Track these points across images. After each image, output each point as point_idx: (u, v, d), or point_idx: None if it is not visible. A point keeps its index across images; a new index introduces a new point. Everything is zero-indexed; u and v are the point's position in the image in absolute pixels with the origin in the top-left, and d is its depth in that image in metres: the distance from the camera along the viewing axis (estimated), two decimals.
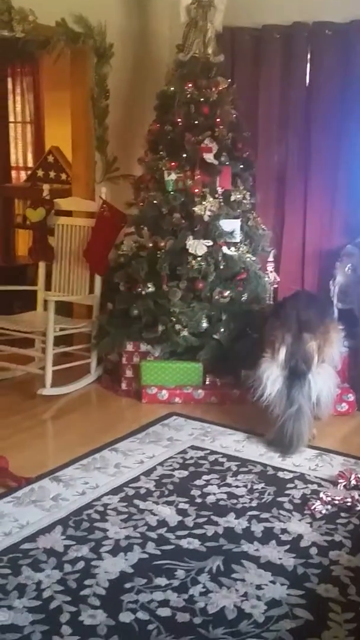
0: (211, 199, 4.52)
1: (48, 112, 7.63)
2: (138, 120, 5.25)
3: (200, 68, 4.65)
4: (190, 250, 4.45)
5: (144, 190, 4.72)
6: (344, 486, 3.39)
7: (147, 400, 4.52)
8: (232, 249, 4.59)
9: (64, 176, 6.85)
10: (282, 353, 3.73)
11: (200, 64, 4.66)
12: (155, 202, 4.59)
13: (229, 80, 4.76)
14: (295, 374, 3.73)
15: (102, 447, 3.81)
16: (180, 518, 3.09)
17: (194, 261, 4.44)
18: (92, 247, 4.86)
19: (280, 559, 2.79)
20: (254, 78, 5.18)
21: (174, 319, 4.45)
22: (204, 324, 4.49)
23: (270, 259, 4.94)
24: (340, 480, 3.42)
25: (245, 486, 3.41)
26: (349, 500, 3.23)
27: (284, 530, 3.01)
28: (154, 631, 2.35)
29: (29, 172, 7.51)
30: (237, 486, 3.41)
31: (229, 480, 3.48)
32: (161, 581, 2.62)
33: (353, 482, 3.39)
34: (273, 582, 2.63)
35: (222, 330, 4.50)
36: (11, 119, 7.80)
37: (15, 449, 3.74)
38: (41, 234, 5.11)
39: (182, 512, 3.14)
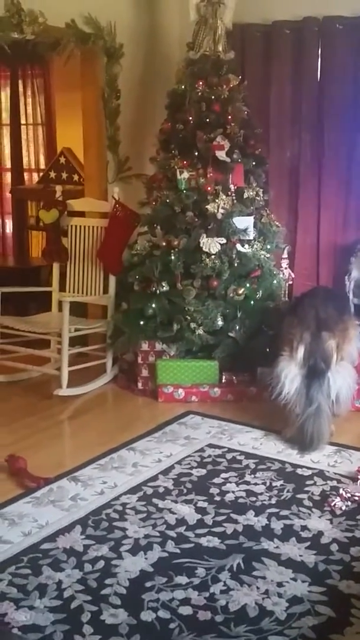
0: (224, 197, 4.51)
1: (59, 113, 7.64)
2: (149, 120, 5.24)
3: (211, 66, 4.65)
4: (204, 249, 4.44)
5: (157, 189, 4.71)
6: None
7: (163, 399, 4.52)
8: (246, 246, 4.58)
9: (76, 177, 6.87)
10: (300, 352, 3.71)
11: (210, 62, 4.65)
12: (168, 201, 4.58)
13: (240, 77, 4.75)
14: (314, 372, 3.71)
15: (119, 446, 3.82)
16: (199, 516, 3.09)
17: (207, 259, 4.43)
18: (106, 247, 4.87)
19: (300, 556, 2.78)
20: (265, 74, 5.17)
21: (189, 318, 4.45)
22: (219, 322, 4.48)
23: (285, 255, 4.92)
24: (359, 476, 3.40)
25: (264, 483, 3.40)
26: None
27: (304, 527, 2.99)
28: (175, 630, 2.34)
29: (42, 174, 7.53)
30: (255, 484, 3.40)
31: (248, 477, 3.47)
32: (182, 579, 2.62)
33: None
34: (294, 579, 2.62)
35: (238, 327, 4.48)
36: (22, 121, 7.82)
37: (33, 450, 3.75)
38: (55, 235, 5.12)
39: (201, 511, 3.14)
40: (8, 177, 7.90)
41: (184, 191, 4.54)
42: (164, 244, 4.56)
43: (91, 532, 2.96)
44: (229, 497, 3.27)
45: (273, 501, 3.22)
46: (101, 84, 5.05)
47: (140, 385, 4.69)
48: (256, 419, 4.20)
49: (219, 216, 4.48)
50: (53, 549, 2.83)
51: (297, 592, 2.54)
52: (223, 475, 3.49)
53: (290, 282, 4.98)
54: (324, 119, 5.02)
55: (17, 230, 7.69)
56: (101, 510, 3.14)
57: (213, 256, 4.44)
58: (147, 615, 2.41)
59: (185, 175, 4.54)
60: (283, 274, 4.84)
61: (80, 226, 5.04)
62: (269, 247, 4.72)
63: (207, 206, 4.48)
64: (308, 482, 3.42)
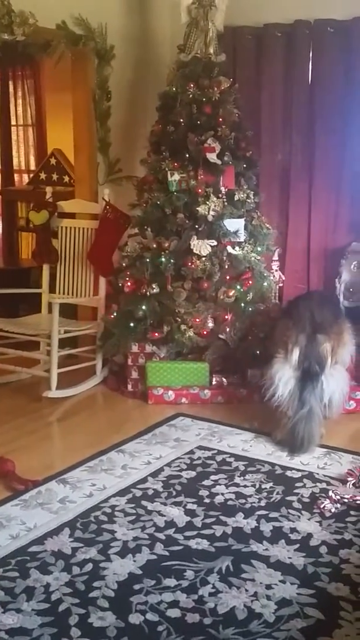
0: (215, 199, 4.51)
1: (50, 114, 7.63)
2: (140, 121, 5.24)
3: (202, 68, 4.65)
4: (194, 251, 4.44)
5: (147, 191, 4.70)
6: (353, 484, 3.37)
7: (153, 401, 4.51)
8: (237, 248, 4.58)
9: (66, 178, 6.86)
10: (295, 354, 3.70)
11: (202, 64, 4.65)
12: (158, 202, 4.58)
13: (231, 79, 4.75)
14: (308, 375, 3.70)
15: (108, 448, 3.80)
16: (188, 519, 3.08)
17: (198, 261, 4.43)
18: (96, 249, 4.86)
19: (290, 558, 2.77)
20: (256, 77, 5.18)
21: (179, 320, 4.44)
22: (210, 324, 4.47)
23: (275, 257, 4.93)
24: (349, 479, 3.40)
25: (254, 486, 3.39)
26: (359, 498, 3.21)
27: (293, 530, 2.99)
28: (163, 632, 2.33)
29: (32, 175, 7.51)
30: (245, 486, 3.39)
31: (237, 480, 3.46)
32: (170, 582, 2.60)
33: None
34: (283, 582, 2.61)
35: (228, 329, 4.48)
36: (13, 122, 7.80)
37: (22, 452, 3.73)
38: (45, 236, 5.11)
39: (190, 513, 3.13)
40: None
41: (175, 193, 4.54)
42: (154, 245, 4.55)
43: (79, 535, 2.94)
44: (219, 499, 3.26)
45: (262, 503, 3.22)
46: (92, 85, 5.04)
47: (130, 387, 4.68)
48: (246, 421, 4.20)
49: (210, 218, 4.48)
50: (41, 551, 2.81)
51: (285, 595, 2.53)
52: (212, 477, 3.49)
53: (281, 285, 4.99)
54: (314, 121, 5.03)
55: (6, 232, 7.67)
56: (90, 512, 3.13)
57: (204, 258, 4.44)
58: (135, 618, 2.40)
59: (176, 177, 4.54)
60: (274, 276, 4.85)
61: (70, 228, 5.03)
62: (259, 249, 4.72)
63: (197, 208, 4.48)
64: (297, 485, 3.41)
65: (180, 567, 2.70)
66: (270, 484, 3.41)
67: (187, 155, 4.57)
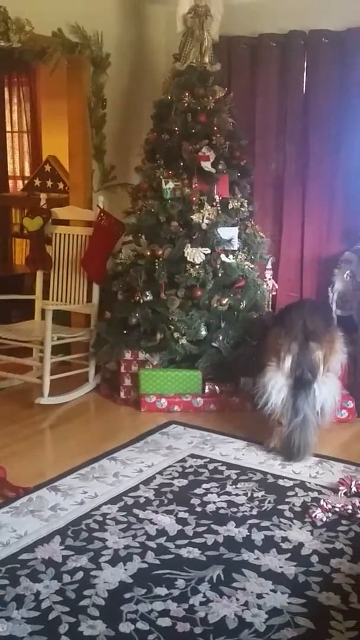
0: (209, 207, 4.52)
1: (45, 121, 7.65)
2: (135, 129, 5.26)
3: (197, 77, 4.67)
4: (188, 258, 4.45)
5: (142, 198, 4.72)
6: (345, 493, 3.37)
7: (145, 409, 4.50)
8: (230, 256, 4.59)
9: (61, 185, 6.87)
10: (287, 362, 3.71)
11: (197, 73, 4.68)
12: (152, 210, 4.59)
13: (226, 88, 4.78)
14: (301, 383, 3.71)
15: (100, 456, 3.79)
16: (180, 527, 3.07)
17: (192, 269, 4.44)
18: (90, 255, 4.86)
19: (281, 567, 2.77)
20: (251, 86, 5.20)
21: (173, 327, 4.44)
22: (203, 332, 4.48)
23: (269, 266, 4.94)
24: (340, 488, 3.40)
25: (245, 494, 3.39)
26: (350, 507, 3.21)
27: (284, 539, 2.99)
28: None
29: (26, 182, 7.52)
30: (237, 494, 3.39)
31: (229, 488, 3.46)
32: (161, 591, 2.60)
33: (354, 489, 3.38)
34: (274, 591, 2.61)
35: (221, 338, 4.49)
36: (8, 128, 7.81)
37: (13, 459, 3.72)
38: (39, 243, 5.11)
39: (182, 521, 3.12)
40: None
41: (169, 201, 4.55)
42: (148, 253, 4.56)
43: (70, 543, 2.93)
44: (210, 507, 3.26)
45: (254, 512, 3.22)
46: (87, 93, 5.05)
47: (122, 394, 4.68)
48: (238, 429, 4.20)
49: (204, 226, 4.49)
50: (31, 559, 2.80)
51: (276, 604, 2.53)
52: (204, 485, 3.48)
53: (274, 293, 5.00)
54: (309, 131, 5.05)
55: (0, 238, 7.66)
56: (81, 520, 3.12)
57: (197, 266, 4.45)
58: (125, 627, 2.39)
59: (171, 185, 4.55)
60: (267, 284, 4.86)
61: (64, 234, 5.03)
62: (253, 257, 4.74)
63: (192, 216, 4.50)
64: (289, 493, 3.41)
65: (171, 576, 2.69)
66: (262, 493, 3.41)
67: (182, 164, 4.59)
